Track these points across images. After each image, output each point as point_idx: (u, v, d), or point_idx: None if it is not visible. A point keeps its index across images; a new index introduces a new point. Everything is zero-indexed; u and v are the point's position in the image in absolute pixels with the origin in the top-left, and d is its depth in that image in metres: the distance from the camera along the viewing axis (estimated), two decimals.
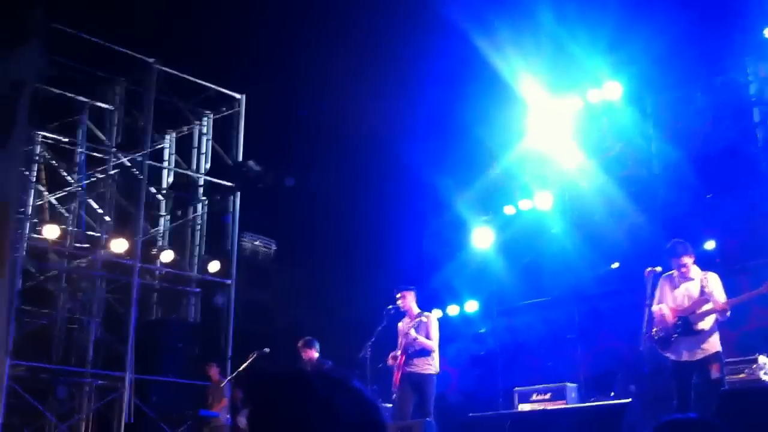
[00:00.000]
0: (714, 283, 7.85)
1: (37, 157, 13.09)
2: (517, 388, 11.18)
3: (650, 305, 8.10)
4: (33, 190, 13.12)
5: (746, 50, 11.83)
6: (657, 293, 8.11)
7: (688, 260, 7.96)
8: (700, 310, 7.74)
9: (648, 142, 12.76)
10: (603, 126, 13.76)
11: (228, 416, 12.18)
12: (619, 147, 13.47)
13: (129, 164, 14.40)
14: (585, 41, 12.47)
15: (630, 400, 9.53)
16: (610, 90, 13.20)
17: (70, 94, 14.46)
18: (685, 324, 7.79)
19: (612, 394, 11.21)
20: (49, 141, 13.54)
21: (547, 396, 10.62)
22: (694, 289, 7.91)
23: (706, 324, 7.72)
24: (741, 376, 8.63)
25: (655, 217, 12.45)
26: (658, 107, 12.87)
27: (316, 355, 10.48)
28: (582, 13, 12.41)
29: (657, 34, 11.59)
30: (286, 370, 1.82)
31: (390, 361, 9.41)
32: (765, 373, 8.39)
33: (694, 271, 7.98)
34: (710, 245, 12.21)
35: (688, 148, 12.34)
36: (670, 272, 8.09)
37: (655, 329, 7.98)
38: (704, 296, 7.78)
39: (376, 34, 14.02)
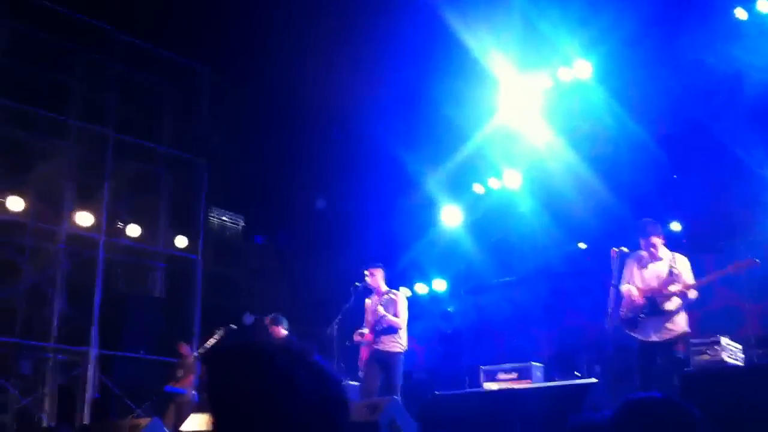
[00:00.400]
0: (682, 265, 7.86)
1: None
2: (483, 367, 11.22)
3: (616, 285, 8.11)
4: None
5: (716, 30, 11.87)
6: (625, 273, 8.13)
7: (657, 240, 7.97)
8: (668, 291, 7.78)
9: (617, 121, 12.78)
10: (572, 105, 13.76)
11: (195, 392, 12.12)
12: (588, 126, 13.49)
13: (92, 137, 14.16)
14: (556, 18, 12.42)
15: (596, 380, 9.59)
16: (580, 68, 13.18)
17: (32, 65, 14.16)
18: (653, 305, 7.81)
19: (577, 374, 11.29)
20: (8, 111, 13.25)
21: (513, 375, 10.66)
22: (662, 269, 7.93)
23: (673, 304, 7.76)
24: (704, 357, 8.70)
25: (623, 196, 12.50)
26: (626, 86, 12.89)
27: (284, 332, 10.44)
28: None
29: (627, 13, 11.57)
30: (245, 344, 1.77)
31: (356, 338, 9.37)
32: (728, 356, 8.46)
33: (663, 251, 7.99)
34: (676, 226, 12.33)
35: (656, 128, 12.40)
36: (639, 252, 8.11)
37: (623, 310, 8.01)
38: (672, 277, 7.81)
39: (343, 8, 13.85)
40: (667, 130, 12.38)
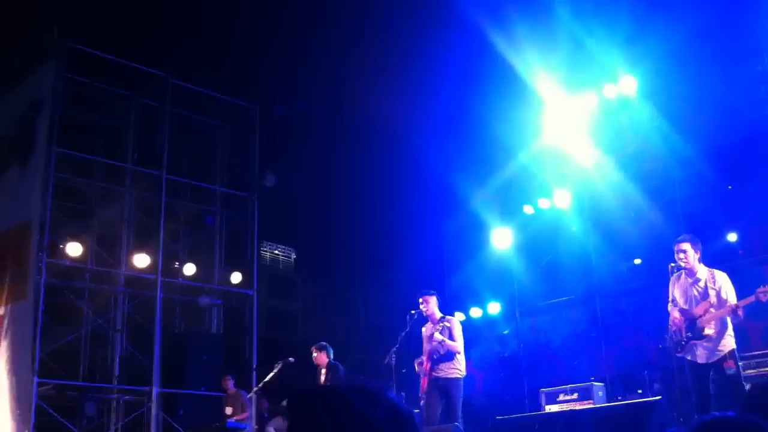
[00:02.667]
0: (721, 282, 7.67)
1: (56, 176, 13.17)
2: (543, 389, 11.15)
3: (674, 301, 8.01)
4: (53, 209, 13.19)
5: (764, 39, 11.73)
6: (669, 292, 8.02)
7: (686, 247, 7.78)
8: (708, 315, 7.62)
9: (664, 136, 12.67)
10: (619, 122, 13.67)
11: (255, 426, 12.23)
12: (636, 143, 13.39)
13: (147, 180, 14.48)
14: (602, 36, 12.40)
15: (659, 397, 9.47)
16: (626, 84, 13.10)
17: (87, 112, 14.57)
18: (695, 328, 7.65)
19: (639, 392, 11.15)
20: (68, 160, 13.63)
21: (574, 396, 10.60)
22: (697, 290, 7.77)
23: (715, 327, 7.58)
24: (761, 370, 8.52)
25: (675, 212, 12.37)
26: (673, 101, 12.79)
27: (327, 359, 10.62)
28: (598, 7, 12.34)
29: (672, 27, 11.51)
30: (323, 386, 1.84)
31: (416, 367, 9.40)
32: None
33: (701, 270, 7.82)
34: (732, 237, 12.14)
35: (705, 141, 12.24)
36: (679, 271, 7.96)
37: (668, 334, 7.88)
38: (708, 299, 7.64)
39: (391, 32, 14.01)
40: (719, 141, 12.20)
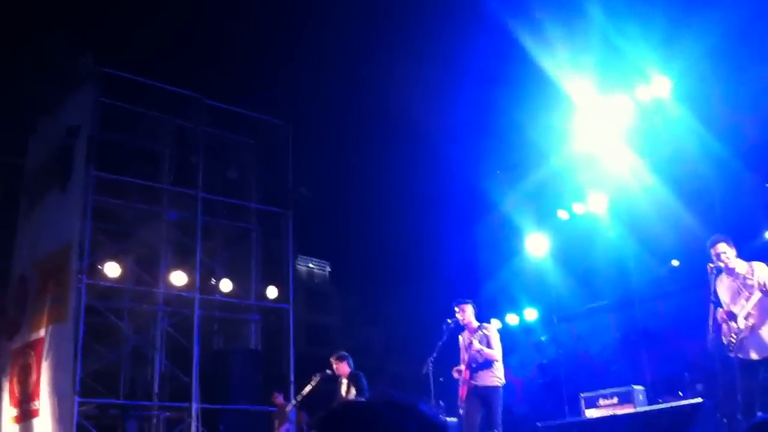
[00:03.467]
0: (760, 272, 7.59)
1: (94, 199, 13.37)
2: (582, 394, 11.05)
3: (715, 302, 7.91)
4: (92, 231, 13.39)
5: None
6: (711, 292, 7.93)
7: (723, 248, 7.71)
8: (753, 308, 7.52)
9: (699, 138, 12.51)
10: (653, 124, 13.52)
11: None
12: (671, 145, 13.23)
13: (184, 199, 14.64)
14: (635, 36, 12.26)
15: (701, 400, 9.34)
16: (659, 86, 12.93)
17: (123, 135, 14.78)
18: (742, 324, 7.58)
19: (680, 394, 11.02)
20: (105, 182, 13.83)
21: (614, 400, 10.49)
22: (736, 284, 7.70)
23: (763, 318, 7.50)
24: None
25: (713, 214, 12.20)
26: (708, 101, 12.62)
27: (348, 369, 10.57)
28: (631, 7, 12.21)
29: (707, 27, 11.37)
30: (356, 402, 1.86)
31: (455, 375, 9.37)
32: None
33: (739, 265, 7.75)
34: None
35: (741, 141, 12.06)
36: (720, 273, 7.85)
37: (723, 336, 7.78)
38: (749, 291, 7.55)
39: (420, 36, 14.02)
40: (754, 141, 12.00)
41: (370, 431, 1.80)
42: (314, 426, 1.89)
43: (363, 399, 1.90)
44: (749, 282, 7.58)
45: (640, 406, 10.21)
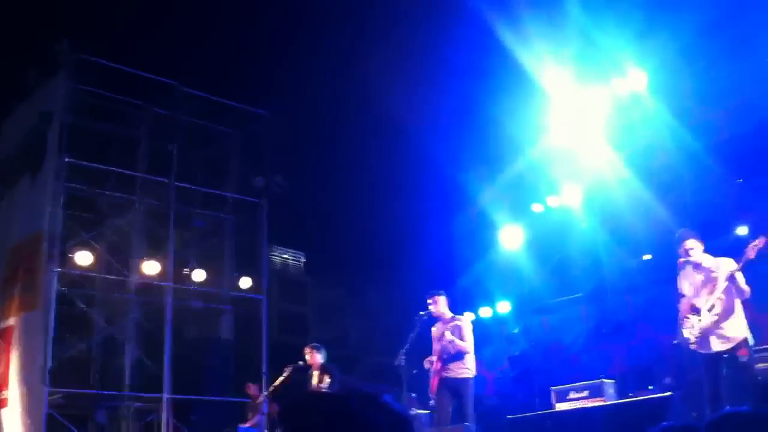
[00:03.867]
0: (726, 266, 7.65)
1: (67, 186, 13.21)
2: (553, 388, 11.11)
3: (678, 296, 8.00)
4: (64, 219, 13.24)
5: None
6: (678, 285, 8.02)
7: (692, 244, 7.81)
8: (717, 300, 7.60)
9: (673, 131, 12.60)
10: (629, 118, 13.59)
11: (265, 431, 12.29)
12: (646, 139, 13.32)
13: (158, 188, 14.51)
14: (611, 31, 12.30)
15: (671, 393, 9.43)
16: (635, 79, 12.99)
17: (99, 123, 14.60)
18: (703, 317, 7.66)
19: (650, 387, 11.10)
20: (78, 169, 13.66)
21: (585, 394, 10.55)
22: (701, 277, 7.78)
23: (726, 311, 7.58)
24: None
25: (685, 207, 12.31)
26: (682, 96, 12.70)
27: (321, 360, 10.49)
28: (608, 2, 12.25)
29: (682, 23, 11.44)
30: (321, 393, 1.84)
31: (426, 365, 9.36)
32: None
33: (706, 260, 7.84)
34: (743, 231, 12.08)
35: (714, 136, 12.16)
36: (686, 262, 7.94)
37: (684, 329, 7.86)
38: (713, 284, 7.63)
39: (399, 30, 13.95)
40: (727, 136, 12.12)
41: (335, 422, 1.79)
42: (280, 416, 1.87)
43: (331, 390, 1.89)
44: (713, 275, 7.66)
45: (610, 399, 10.28)
